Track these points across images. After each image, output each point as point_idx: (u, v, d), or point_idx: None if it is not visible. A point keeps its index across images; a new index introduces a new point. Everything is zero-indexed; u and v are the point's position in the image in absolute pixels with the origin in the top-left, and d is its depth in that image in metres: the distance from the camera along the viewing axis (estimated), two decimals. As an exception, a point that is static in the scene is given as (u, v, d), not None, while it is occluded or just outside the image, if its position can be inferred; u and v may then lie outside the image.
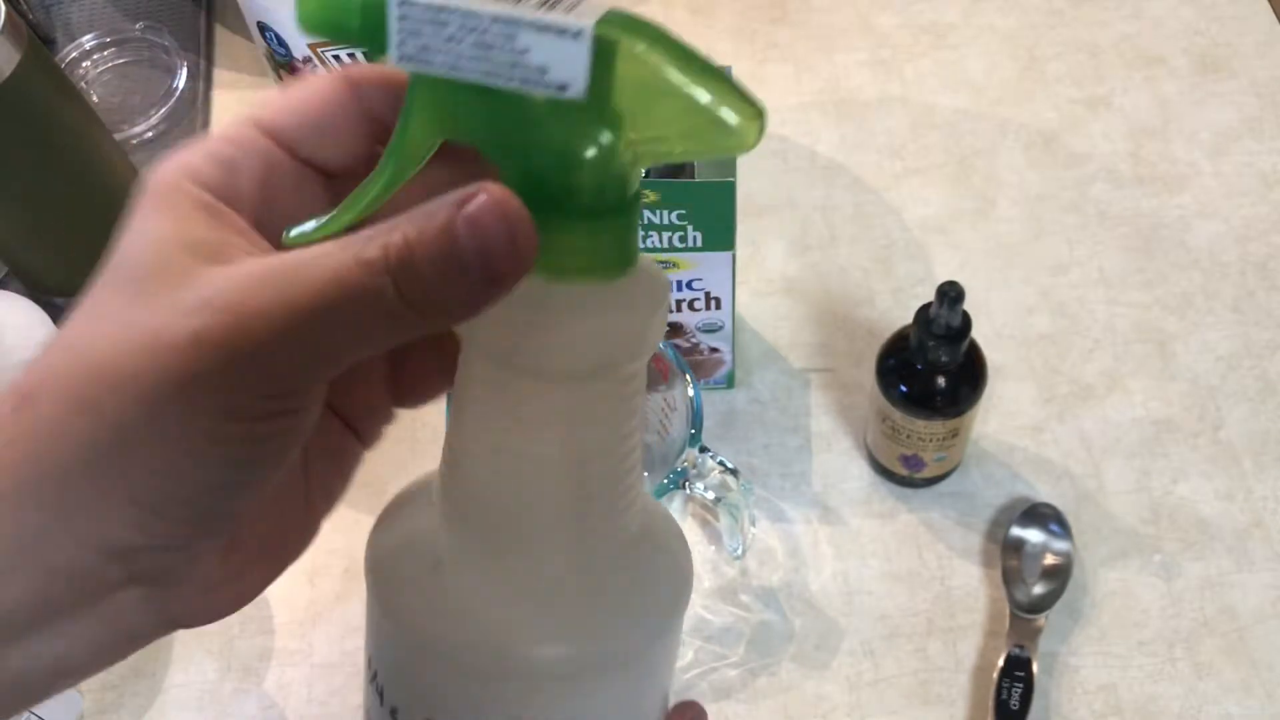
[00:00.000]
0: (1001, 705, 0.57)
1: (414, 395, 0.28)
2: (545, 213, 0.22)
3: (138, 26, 0.87)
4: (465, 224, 0.21)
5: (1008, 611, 0.60)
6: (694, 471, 0.55)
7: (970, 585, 0.62)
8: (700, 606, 0.63)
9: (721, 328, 0.64)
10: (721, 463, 0.55)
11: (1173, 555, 0.62)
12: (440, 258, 0.21)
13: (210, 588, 0.24)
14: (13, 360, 0.58)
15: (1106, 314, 0.70)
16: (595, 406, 0.24)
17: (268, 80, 0.76)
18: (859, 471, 0.66)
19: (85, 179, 0.71)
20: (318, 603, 0.64)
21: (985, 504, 0.65)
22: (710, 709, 0.59)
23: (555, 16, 0.21)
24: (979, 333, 0.56)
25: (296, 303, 0.21)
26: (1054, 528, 0.62)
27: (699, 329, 0.64)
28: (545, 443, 0.24)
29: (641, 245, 0.57)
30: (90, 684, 0.62)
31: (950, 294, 0.53)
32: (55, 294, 0.74)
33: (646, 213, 0.56)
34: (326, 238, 0.22)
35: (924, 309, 0.56)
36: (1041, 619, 0.60)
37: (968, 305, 0.54)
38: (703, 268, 0.59)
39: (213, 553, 0.24)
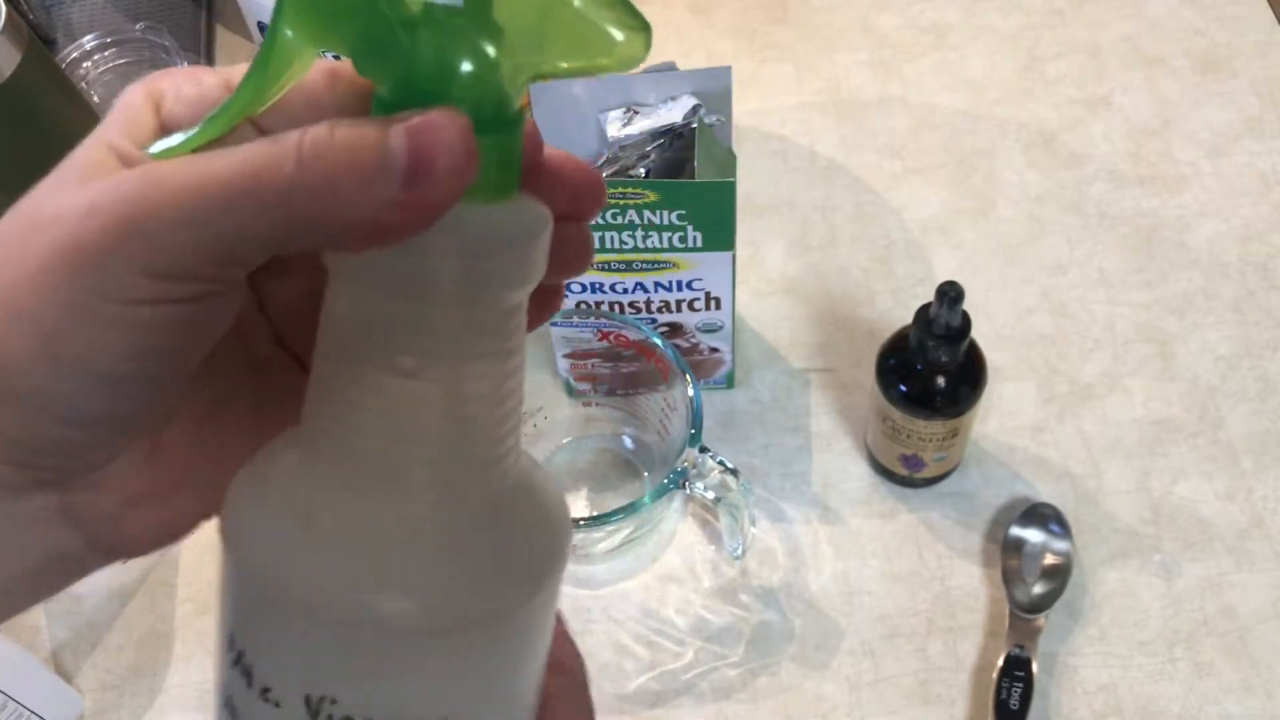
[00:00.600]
0: (1001, 705, 0.57)
1: None
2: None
3: (138, 27, 0.87)
4: (404, 130, 0.20)
5: (1007, 611, 0.60)
6: (694, 471, 0.55)
7: (970, 585, 0.62)
8: (700, 606, 0.63)
9: (721, 328, 0.64)
10: (721, 463, 0.55)
11: (1173, 555, 0.62)
12: (361, 146, 0.20)
13: (130, 500, 0.23)
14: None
15: (1106, 314, 0.70)
16: (474, 338, 0.23)
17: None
18: (859, 471, 0.66)
19: (86, 179, 0.71)
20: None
21: (985, 504, 0.65)
22: (710, 709, 0.60)
23: None
24: (979, 333, 0.56)
25: (198, 180, 0.20)
26: (1054, 528, 0.62)
27: (699, 329, 0.64)
28: (420, 376, 0.22)
29: (642, 245, 0.58)
30: (90, 684, 0.62)
31: (950, 294, 0.53)
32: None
33: (646, 212, 0.56)
34: (194, 151, 0.21)
35: (924, 309, 0.56)
36: (1041, 619, 0.60)
37: (967, 305, 0.54)
38: (703, 268, 0.59)
39: (119, 454, 0.23)
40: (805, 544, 0.64)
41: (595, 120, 0.61)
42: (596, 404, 0.67)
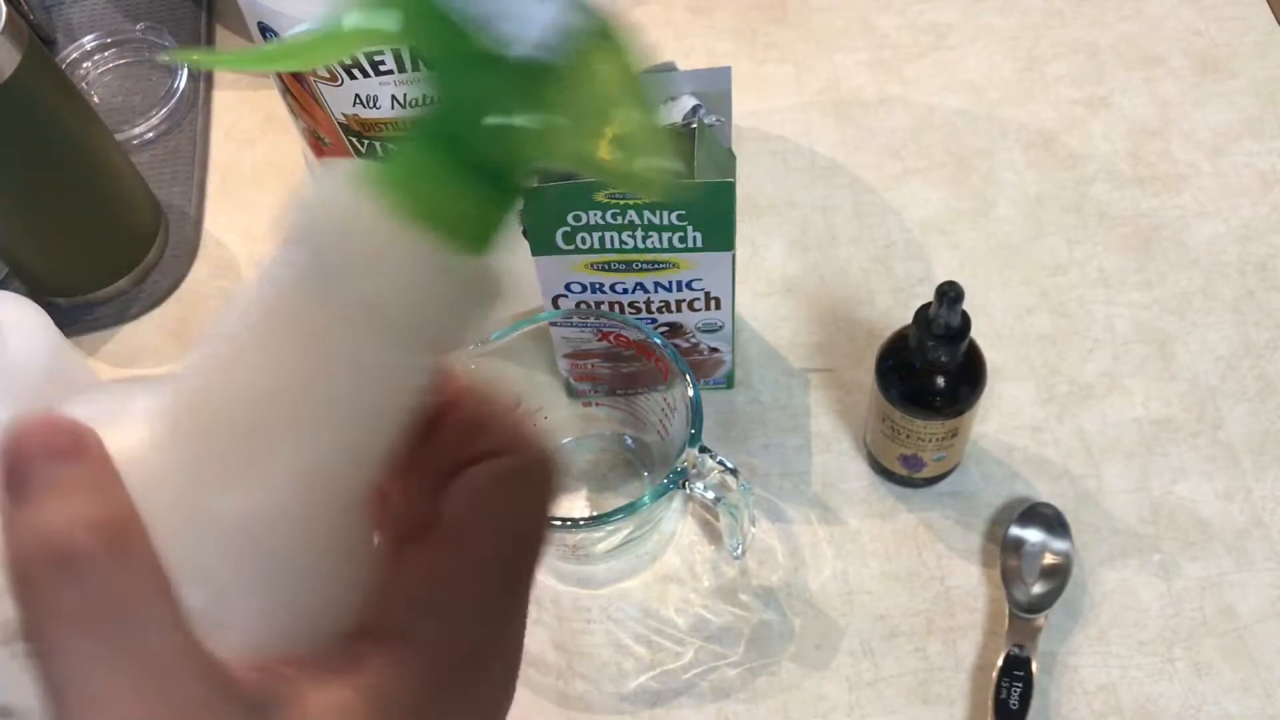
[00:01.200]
0: (1001, 705, 0.58)
1: None
2: (448, 151, 0.21)
3: (138, 27, 0.87)
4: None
5: (1007, 611, 0.60)
6: (694, 471, 0.55)
7: (970, 585, 0.62)
8: (700, 606, 0.63)
9: (721, 328, 0.64)
10: (721, 463, 0.56)
11: (1172, 555, 0.62)
12: None
13: None
14: (13, 361, 0.58)
15: (1106, 314, 0.70)
16: (378, 371, 0.22)
17: (268, 81, 0.76)
18: (859, 471, 0.66)
19: (86, 179, 0.71)
20: None
21: (985, 504, 0.65)
22: (710, 709, 0.60)
23: None
24: (978, 332, 0.56)
25: None
26: (1053, 527, 0.62)
27: (699, 329, 0.64)
28: (313, 379, 0.22)
29: (642, 245, 0.58)
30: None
31: (950, 294, 0.53)
32: (56, 294, 0.74)
33: (646, 213, 0.56)
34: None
35: (923, 309, 0.56)
36: (1041, 619, 0.60)
37: (967, 305, 0.54)
38: (703, 268, 0.59)
39: None
40: (805, 544, 0.64)
41: (595, 120, 0.61)
42: (596, 404, 0.67)
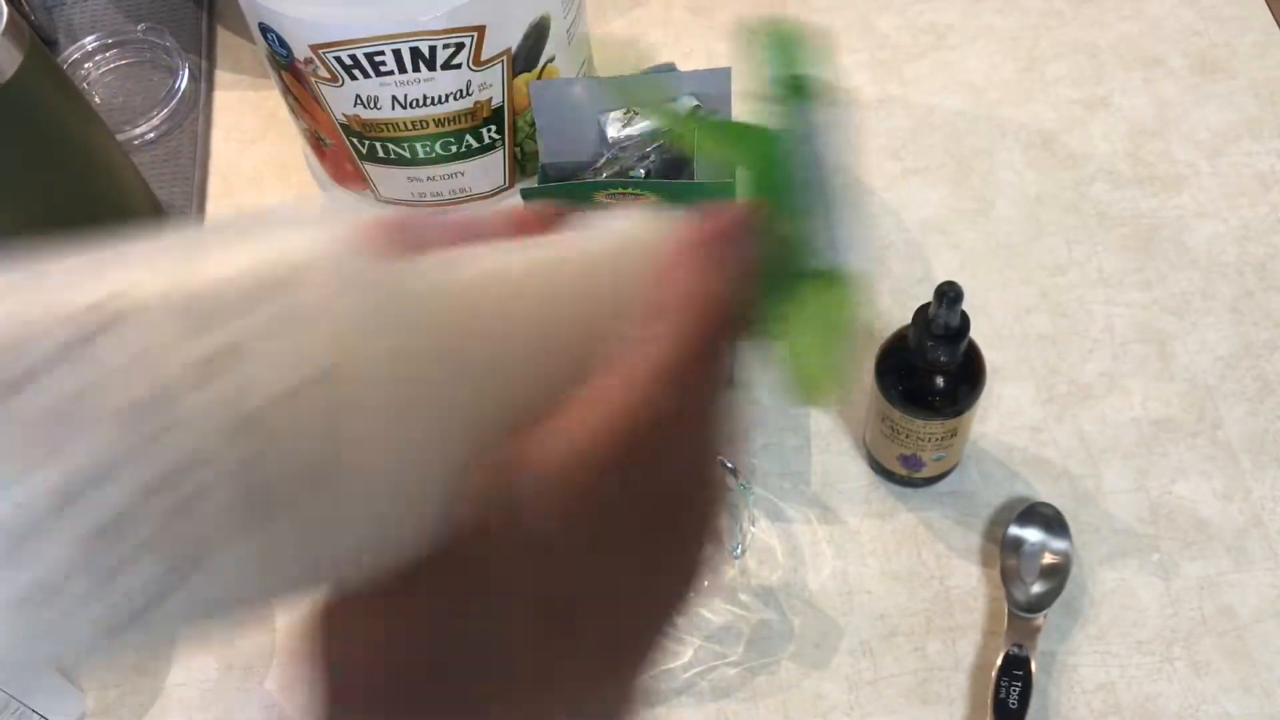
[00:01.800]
0: (1000, 704, 0.58)
1: None
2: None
3: (139, 28, 0.87)
4: None
5: (1006, 611, 0.60)
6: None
7: (969, 584, 0.62)
8: (699, 605, 0.63)
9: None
10: (721, 463, 0.56)
11: (1171, 555, 0.63)
12: None
13: None
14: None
15: (1105, 314, 0.70)
16: None
17: (269, 81, 0.76)
18: (858, 471, 0.66)
19: (87, 180, 0.71)
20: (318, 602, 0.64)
21: (984, 503, 0.65)
22: (710, 708, 0.60)
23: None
24: (978, 333, 0.57)
25: None
26: (1053, 527, 0.62)
27: (699, 329, 0.64)
28: None
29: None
30: (92, 682, 0.62)
31: (949, 294, 0.53)
32: (57, 294, 0.74)
33: (646, 213, 0.56)
34: None
35: (923, 309, 0.56)
36: (1040, 618, 0.60)
37: (966, 305, 0.54)
38: (702, 268, 0.59)
39: None
40: (804, 543, 0.64)
41: (595, 121, 0.61)
42: (596, 404, 0.67)
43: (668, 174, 0.60)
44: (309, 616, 0.22)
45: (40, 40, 0.66)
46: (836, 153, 0.27)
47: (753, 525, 0.63)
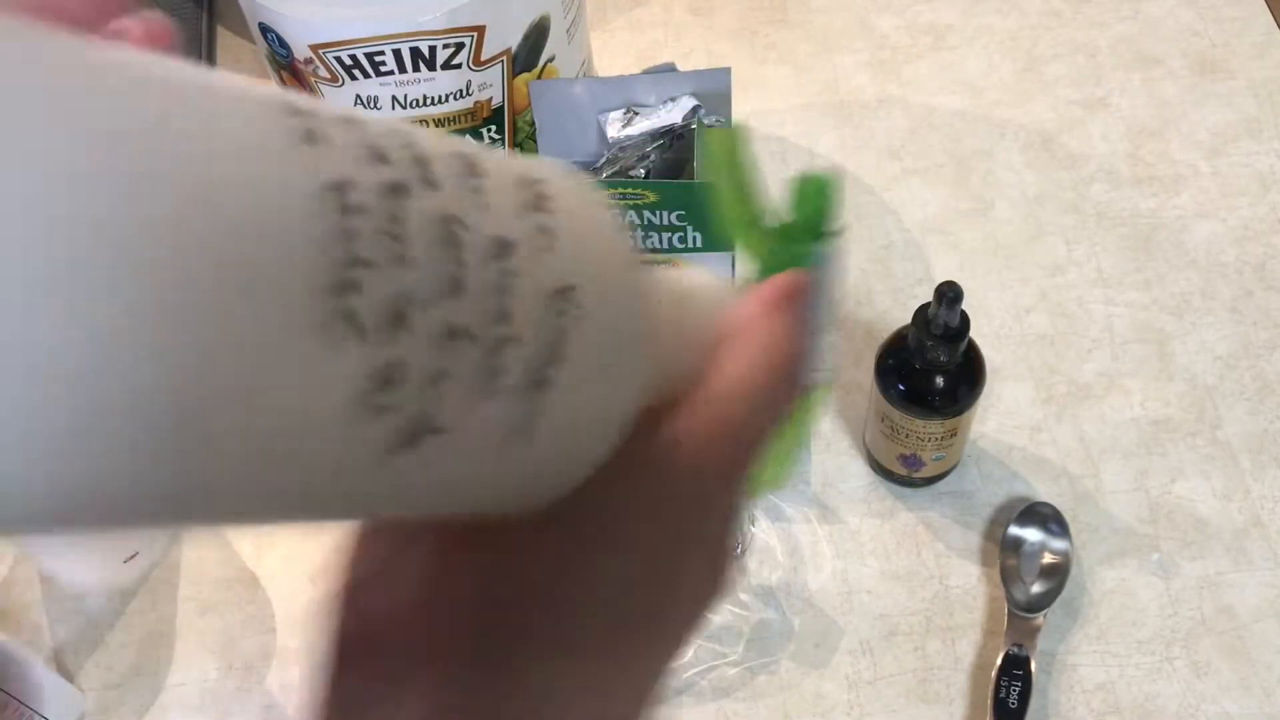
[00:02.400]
0: (1000, 704, 0.58)
1: None
2: None
3: (139, 28, 0.87)
4: None
5: (1006, 610, 0.60)
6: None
7: (969, 584, 0.63)
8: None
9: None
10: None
11: (1171, 554, 0.63)
12: None
13: None
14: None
15: (1104, 314, 0.70)
16: None
17: (269, 82, 0.76)
18: (858, 471, 0.66)
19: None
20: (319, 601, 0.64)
21: (984, 503, 0.65)
22: (710, 707, 0.60)
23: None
24: (977, 332, 0.57)
25: None
26: (1052, 527, 0.62)
27: (698, 329, 0.64)
28: None
29: (641, 245, 0.58)
30: (92, 683, 0.62)
31: (949, 294, 0.53)
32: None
33: (646, 213, 0.56)
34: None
35: (923, 309, 0.56)
36: (1040, 618, 0.60)
37: (966, 305, 0.54)
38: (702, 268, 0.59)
39: None
40: (804, 543, 0.64)
41: (595, 121, 0.61)
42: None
43: (667, 174, 0.60)
44: (349, 548, 0.22)
45: (40, 40, 0.65)
46: (835, 283, 0.32)
47: (752, 525, 0.63)
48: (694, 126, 0.58)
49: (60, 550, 0.62)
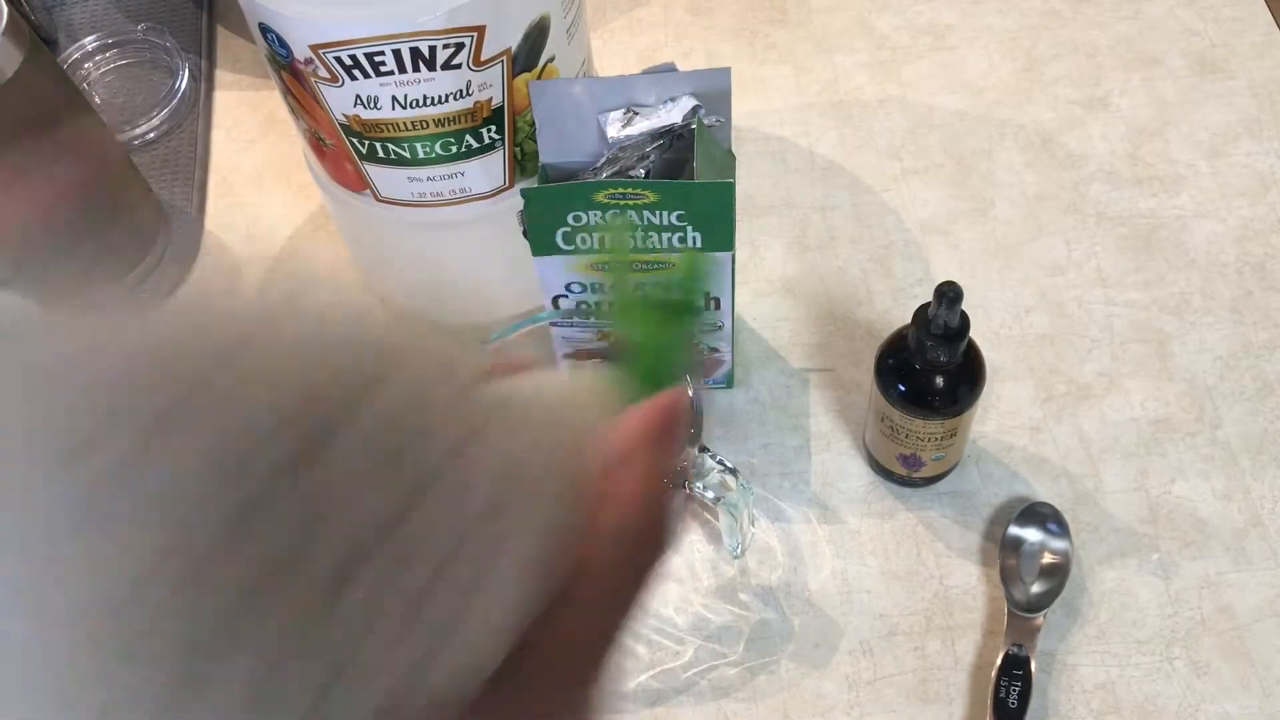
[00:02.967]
0: (1000, 704, 0.58)
1: None
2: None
3: (140, 28, 0.87)
4: None
5: (1006, 610, 0.60)
6: (694, 471, 0.55)
7: (968, 584, 0.63)
8: (700, 605, 0.63)
9: (721, 328, 0.64)
10: (721, 462, 0.56)
11: (1170, 554, 0.63)
12: None
13: None
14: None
15: (1104, 314, 0.70)
16: None
17: (269, 81, 0.76)
18: (858, 471, 0.66)
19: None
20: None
21: (983, 503, 0.65)
22: (710, 708, 0.60)
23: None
24: (977, 332, 0.57)
25: None
26: (1052, 527, 0.62)
27: (699, 329, 0.64)
28: None
29: (641, 245, 0.58)
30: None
31: (949, 294, 0.53)
32: (57, 294, 0.74)
33: (646, 213, 0.56)
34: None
35: (922, 309, 0.56)
36: (1040, 618, 0.60)
37: (966, 305, 0.54)
38: (702, 268, 0.59)
39: None
40: (804, 543, 0.64)
41: (595, 121, 0.61)
42: (596, 404, 0.68)
43: (667, 174, 0.61)
44: None
45: (40, 40, 0.66)
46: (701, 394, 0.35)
47: (752, 525, 0.63)
48: (694, 126, 0.58)
49: None
